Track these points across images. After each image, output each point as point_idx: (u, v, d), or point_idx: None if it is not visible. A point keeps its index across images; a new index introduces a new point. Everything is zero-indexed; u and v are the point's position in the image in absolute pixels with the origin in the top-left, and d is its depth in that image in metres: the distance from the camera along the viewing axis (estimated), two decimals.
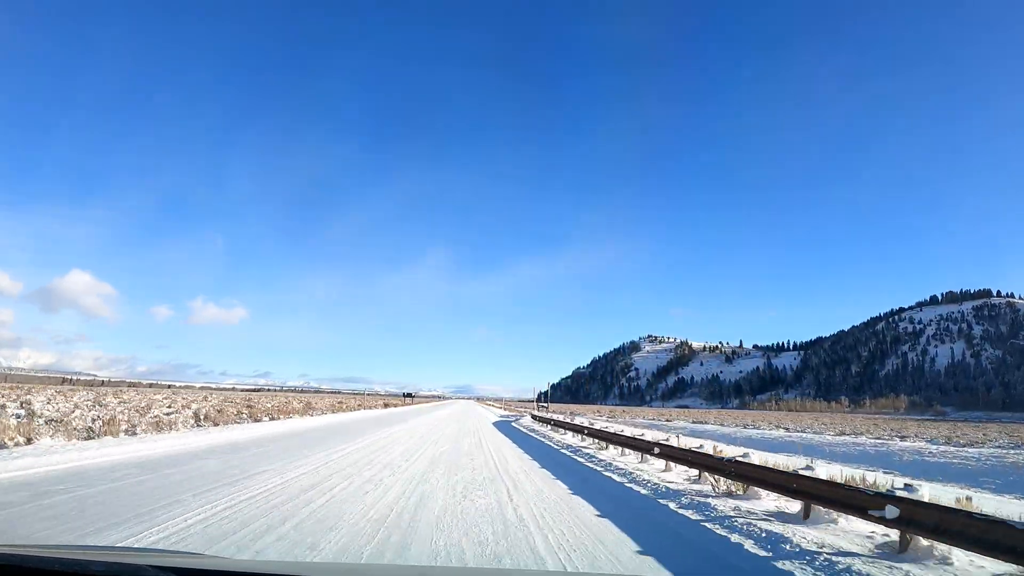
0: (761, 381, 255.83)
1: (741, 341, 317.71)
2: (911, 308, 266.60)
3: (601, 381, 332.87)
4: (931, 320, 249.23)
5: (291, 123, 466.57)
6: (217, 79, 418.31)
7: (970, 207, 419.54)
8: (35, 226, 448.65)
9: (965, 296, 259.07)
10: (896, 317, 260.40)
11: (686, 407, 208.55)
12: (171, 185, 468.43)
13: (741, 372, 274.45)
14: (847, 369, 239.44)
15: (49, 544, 3.82)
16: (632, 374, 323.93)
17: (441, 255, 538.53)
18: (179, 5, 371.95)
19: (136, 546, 4.09)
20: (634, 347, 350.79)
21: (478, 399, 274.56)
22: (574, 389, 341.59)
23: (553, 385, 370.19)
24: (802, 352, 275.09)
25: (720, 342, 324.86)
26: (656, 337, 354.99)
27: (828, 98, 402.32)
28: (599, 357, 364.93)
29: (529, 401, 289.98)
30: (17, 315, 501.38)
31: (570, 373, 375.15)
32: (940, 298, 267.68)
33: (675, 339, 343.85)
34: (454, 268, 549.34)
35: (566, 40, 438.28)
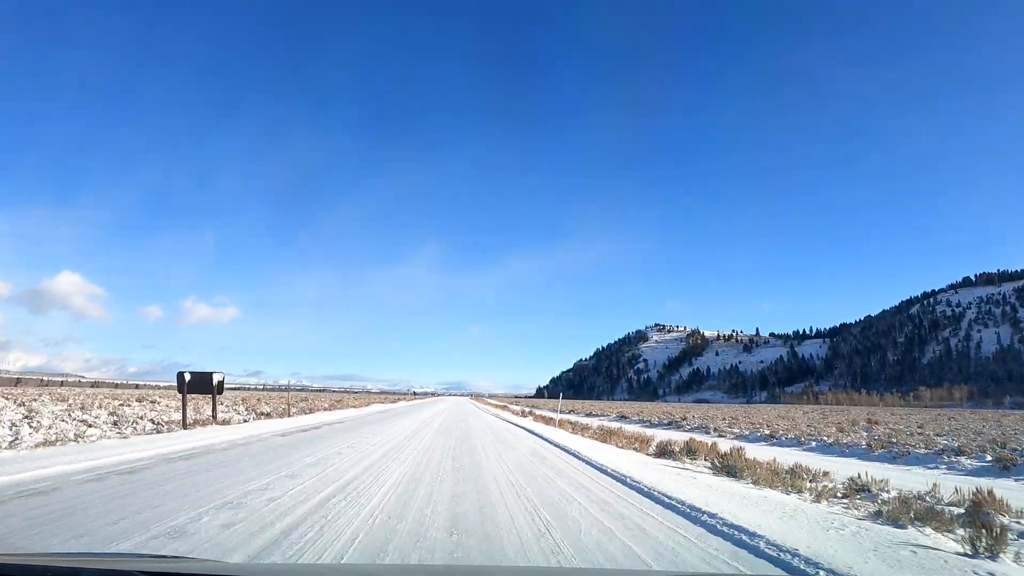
0: (788, 372, 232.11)
1: (757, 329, 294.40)
2: (945, 290, 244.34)
3: (606, 374, 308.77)
4: (970, 303, 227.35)
5: (279, 114, 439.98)
6: (202, 69, 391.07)
7: (992, 185, 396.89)
8: (21, 226, 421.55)
9: (1003, 277, 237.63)
10: (931, 300, 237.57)
11: (705, 401, 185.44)
12: (158, 181, 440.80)
13: (763, 362, 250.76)
14: (883, 357, 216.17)
15: (38, 552, 3.63)
16: (641, 365, 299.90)
17: (434, 249, 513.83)
18: None
19: (128, 552, 3.77)
20: (641, 337, 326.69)
21: (472, 395, 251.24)
22: (576, 383, 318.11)
23: (554, 379, 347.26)
24: (828, 340, 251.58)
25: (734, 330, 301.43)
26: (664, 326, 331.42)
27: (838, 77, 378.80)
28: (603, 348, 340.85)
29: (527, 397, 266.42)
30: (5, 317, 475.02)
31: (571, 366, 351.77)
32: (975, 279, 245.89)
33: (685, 328, 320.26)
34: (448, 262, 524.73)
35: (559, 25, 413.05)
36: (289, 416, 21.28)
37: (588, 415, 42.54)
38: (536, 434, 15.87)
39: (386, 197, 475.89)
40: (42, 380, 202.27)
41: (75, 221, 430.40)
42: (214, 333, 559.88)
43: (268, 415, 21.41)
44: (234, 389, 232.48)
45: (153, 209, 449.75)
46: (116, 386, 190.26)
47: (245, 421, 17.39)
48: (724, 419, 31.16)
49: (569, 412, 48.49)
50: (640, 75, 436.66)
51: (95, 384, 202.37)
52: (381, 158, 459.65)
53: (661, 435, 16.58)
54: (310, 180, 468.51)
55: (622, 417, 36.58)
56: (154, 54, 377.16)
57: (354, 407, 36.93)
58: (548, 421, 23.80)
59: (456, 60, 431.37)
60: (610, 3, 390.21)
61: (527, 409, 44.59)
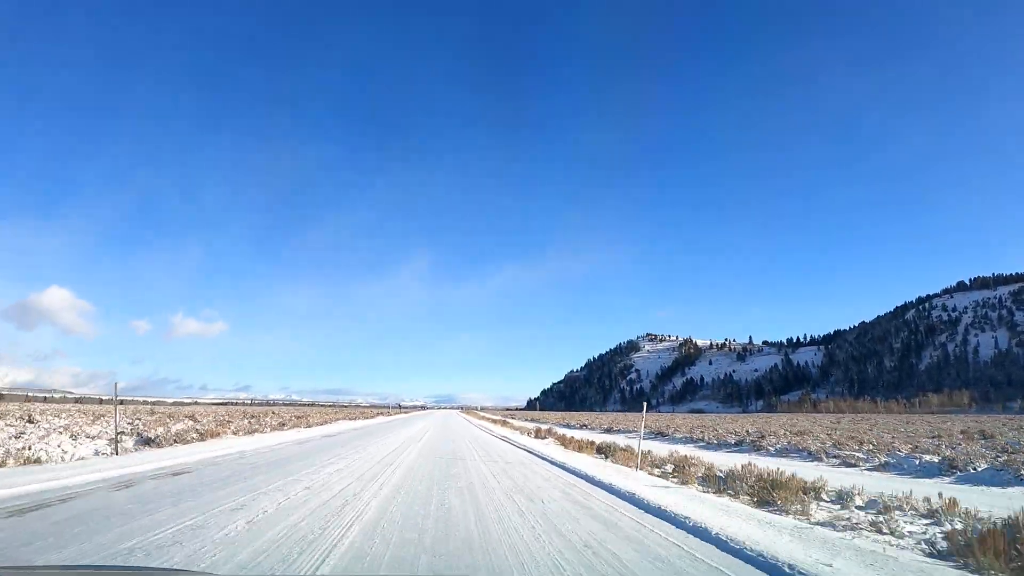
0: (783, 380, 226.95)
1: (750, 337, 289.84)
2: (939, 295, 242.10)
3: (598, 385, 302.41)
4: (966, 307, 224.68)
5: (265, 124, 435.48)
6: (188, 79, 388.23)
7: (984, 188, 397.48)
8: (6, 240, 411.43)
9: (998, 280, 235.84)
10: (927, 305, 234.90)
11: (700, 411, 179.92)
12: (144, 193, 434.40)
13: (757, 370, 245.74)
14: (879, 363, 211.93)
15: (39, 565, 3.53)
16: (633, 376, 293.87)
17: (423, 261, 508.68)
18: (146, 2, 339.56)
19: (121, 565, 3.65)
20: (633, 346, 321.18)
21: (463, 408, 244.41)
22: (568, 394, 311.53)
23: (544, 391, 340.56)
24: (823, 347, 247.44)
25: (727, 339, 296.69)
26: (656, 335, 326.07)
27: (831, 79, 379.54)
28: (594, 359, 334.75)
29: (518, 409, 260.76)
30: None
31: (562, 377, 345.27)
32: (970, 283, 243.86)
33: (677, 337, 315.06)
34: (436, 274, 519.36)
35: (552, 32, 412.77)
36: (117, 452, 13.69)
37: (607, 431, 33.84)
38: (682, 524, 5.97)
39: (374, 207, 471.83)
40: (26, 396, 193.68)
41: (61, 234, 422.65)
42: (203, 347, 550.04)
43: (151, 442, 14.98)
44: (221, 404, 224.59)
45: (140, 222, 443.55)
46: (101, 402, 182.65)
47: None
48: (798, 434, 23.55)
49: (581, 427, 39.29)
50: (631, 81, 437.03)
51: (80, 400, 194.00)
52: (369, 167, 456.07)
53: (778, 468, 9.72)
54: (297, 190, 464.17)
55: (658, 435, 28.89)
56: (139, 64, 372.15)
57: (302, 428, 28.06)
58: (589, 449, 15.57)
59: (445, 68, 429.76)
60: (604, 10, 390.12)
61: (541, 427, 32.80)
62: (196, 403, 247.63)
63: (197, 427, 18.16)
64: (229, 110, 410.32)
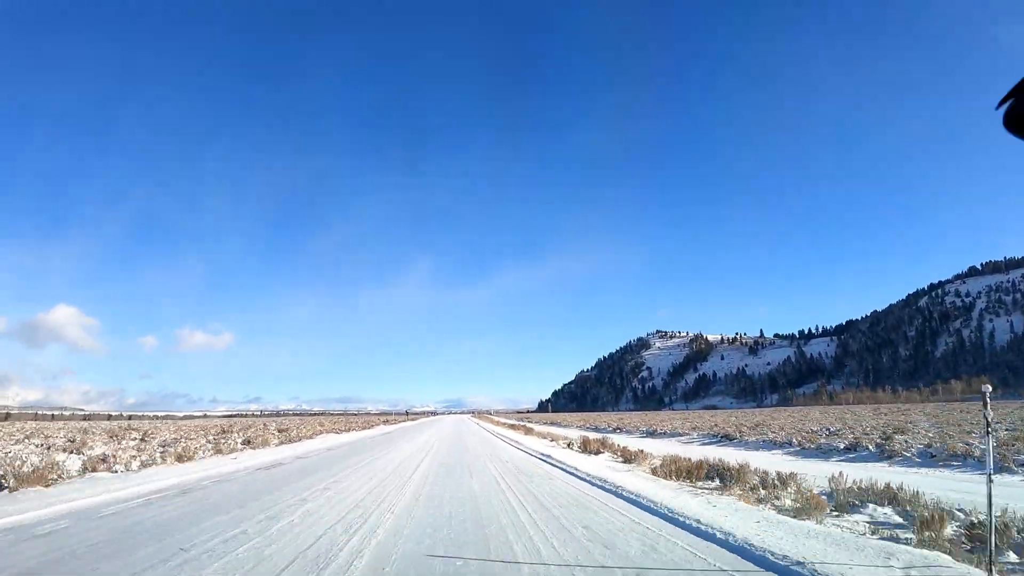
0: (797, 372, 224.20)
1: (762, 330, 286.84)
2: (952, 281, 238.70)
3: (610, 384, 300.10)
4: (979, 292, 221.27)
5: (265, 134, 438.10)
6: (187, 91, 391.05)
7: (992, 174, 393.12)
8: (11, 260, 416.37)
9: (1011, 264, 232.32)
10: (939, 291, 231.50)
11: (714, 407, 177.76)
12: (147, 208, 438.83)
13: (770, 364, 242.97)
14: (894, 352, 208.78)
15: None
16: (645, 374, 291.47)
17: (428, 266, 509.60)
18: (142, 14, 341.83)
19: None
20: (643, 344, 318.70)
21: (474, 413, 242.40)
22: (579, 395, 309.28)
23: (555, 392, 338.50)
24: (836, 337, 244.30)
25: (738, 333, 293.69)
26: (666, 332, 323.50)
27: (834, 68, 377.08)
28: (604, 358, 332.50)
29: (529, 412, 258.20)
30: (1, 352, 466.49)
31: (573, 378, 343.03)
32: (982, 268, 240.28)
33: (687, 333, 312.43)
34: (440, 278, 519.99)
35: (549, 31, 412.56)
36: None
37: (650, 434, 29.22)
38: None
39: (376, 215, 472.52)
40: (36, 414, 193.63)
41: (65, 253, 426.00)
42: (212, 360, 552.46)
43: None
44: (231, 416, 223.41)
45: (143, 237, 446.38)
46: (109, 418, 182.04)
47: None
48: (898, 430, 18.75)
49: (614, 430, 34.69)
50: (631, 81, 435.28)
51: (88, 417, 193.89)
52: (369, 173, 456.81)
53: None
54: (299, 199, 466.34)
55: (724, 438, 22.57)
56: (137, 76, 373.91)
57: (270, 446, 19.26)
58: (726, 488, 8.08)
59: (444, 72, 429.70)
60: (604, 12, 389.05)
61: (587, 435, 22.39)
62: (205, 416, 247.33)
63: (126, 450, 15.93)
64: (228, 121, 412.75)
